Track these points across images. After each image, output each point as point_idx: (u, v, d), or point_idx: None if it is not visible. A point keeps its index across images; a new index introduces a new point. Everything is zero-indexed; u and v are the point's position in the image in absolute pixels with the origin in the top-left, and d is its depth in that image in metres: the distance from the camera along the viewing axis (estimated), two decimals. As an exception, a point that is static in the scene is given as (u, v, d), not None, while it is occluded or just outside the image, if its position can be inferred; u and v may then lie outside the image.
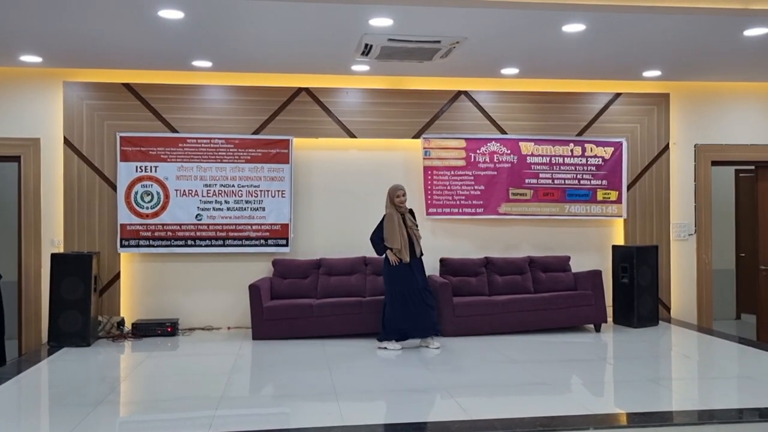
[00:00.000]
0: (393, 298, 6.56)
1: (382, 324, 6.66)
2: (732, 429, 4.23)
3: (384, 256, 6.64)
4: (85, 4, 5.33)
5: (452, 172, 7.96)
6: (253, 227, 7.67)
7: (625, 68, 7.55)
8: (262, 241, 7.68)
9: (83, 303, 6.73)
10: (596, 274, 7.59)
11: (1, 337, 6.66)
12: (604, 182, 8.20)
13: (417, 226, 6.70)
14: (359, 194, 7.95)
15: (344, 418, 4.31)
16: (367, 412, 4.53)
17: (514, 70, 7.60)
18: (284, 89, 7.78)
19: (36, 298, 7.35)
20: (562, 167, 8.14)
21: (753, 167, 8.67)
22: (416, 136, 7.96)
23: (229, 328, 7.70)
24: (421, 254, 6.65)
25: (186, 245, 7.57)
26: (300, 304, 7.14)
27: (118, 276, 7.55)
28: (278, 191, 7.72)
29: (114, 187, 7.52)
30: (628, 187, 8.27)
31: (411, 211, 6.70)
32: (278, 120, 7.78)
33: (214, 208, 7.62)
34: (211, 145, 7.64)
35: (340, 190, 7.94)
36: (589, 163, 8.18)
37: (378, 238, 6.63)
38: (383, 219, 6.63)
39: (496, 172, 8.04)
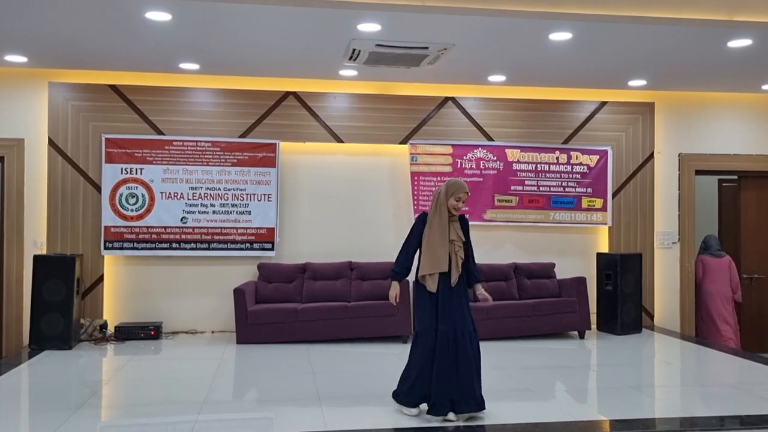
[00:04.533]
0: (414, 339, 4.64)
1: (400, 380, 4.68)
2: (713, 437, 4.27)
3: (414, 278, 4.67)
4: (71, 5, 5.29)
5: (439, 178, 7.97)
6: (239, 231, 7.64)
7: (611, 77, 7.61)
8: (248, 245, 7.65)
9: (65, 305, 6.67)
10: (581, 281, 7.63)
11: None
12: (589, 190, 8.25)
13: (464, 240, 4.60)
14: (345, 199, 7.95)
15: (327, 424, 4.30)
16: (351, 417, 4.51)
17: (501, 78, 7.63)
18: (272, 93, 7.77)
19: (17, 301, 7.27)
20: (547, 174, 8.18)
21: (736, 177, 8.76)
22: (403, 142, 7.97)
23: (213, 332, 7.66)
24: (468, 281, 4.62)
25: (171, 248, 7.52)
26: (284, 308, 7.12)
27: (101, 278, 7.49)
28: (264, 195, 7.69)
29: (98, 189, 7.47)
30: (613, 195, 8.32)
31: (462, 219, 4.70)
32: (265, 124, 7.77)
33: (199, 211, 7.59)
34: (198, 148, 7.61)
35: (327, 195, 7.93)
36: (574, 170, 8.23)
37: (404, 258, 4.66)
38: (415, 227, 4.68)
39: (482, 179, 8.07)
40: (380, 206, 7.99)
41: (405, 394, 4.52)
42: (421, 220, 4.65)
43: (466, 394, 4.37)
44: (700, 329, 8.24)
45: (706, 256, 8.29)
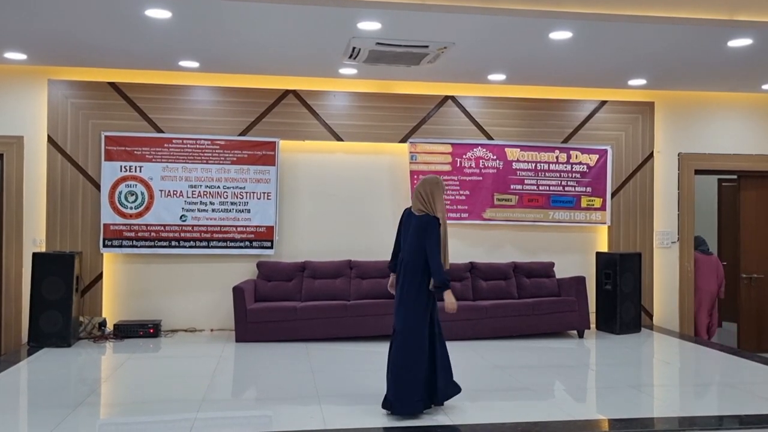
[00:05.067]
0: (405, 344, 4.49)
1: (398, 392, 4.44)
2: (712, 436, 4.27)
3: (419, 281, 4.51)
4: (71, 2, 5.28)
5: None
6: (238, 229, 7.64)
7: (611, 76, 7.60)
8: (247, 243, 7.65)
9: (64, 303, 6.66)
10: (580, 281, 7.63)
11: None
12: (589, 189, 8.25)
13: None
14: (345, 198, 7.94)
15: (326, 422, 4.30)
16: (350, 415, 4.51)
17: (501, 76, 7.62)
18: (271, 91, 7.76)
19: (16, 298, 7.26)
20: (547, 174, 8.18)
21: (735, 176, 8.76)
22: (403, 141, 7.97)
23: (212, 330, 7.65)
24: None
25: (170, 246, 7.51)
26: (284, 306, 7.12)
27: (100, 276, 7.48)
28: (264, 193, 7.69)
29: (98, 187, 7.46)
30: (613, 195, 8.32)
31: None
32: (265, 122, 7.76)
33: (198, 209, 7.58)
34: (197, 146, 7.60)
35: (326, 193, 7.93)
36: (574, 170, 8.22)
37: (439, 264, 4.43)
38: (435, 231, 4.47)
39: (481, 178, 8.07)
40: (380, 205, 7.98)
41: (416, 405, 4.42)
42: (438, 224, 4.48)
43: (451, 375, 4.63)
44: None
45: (696, 253, 8.44)
